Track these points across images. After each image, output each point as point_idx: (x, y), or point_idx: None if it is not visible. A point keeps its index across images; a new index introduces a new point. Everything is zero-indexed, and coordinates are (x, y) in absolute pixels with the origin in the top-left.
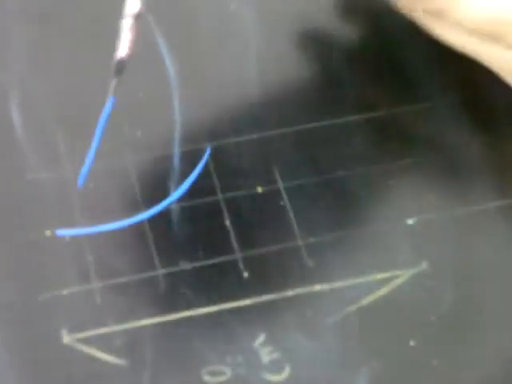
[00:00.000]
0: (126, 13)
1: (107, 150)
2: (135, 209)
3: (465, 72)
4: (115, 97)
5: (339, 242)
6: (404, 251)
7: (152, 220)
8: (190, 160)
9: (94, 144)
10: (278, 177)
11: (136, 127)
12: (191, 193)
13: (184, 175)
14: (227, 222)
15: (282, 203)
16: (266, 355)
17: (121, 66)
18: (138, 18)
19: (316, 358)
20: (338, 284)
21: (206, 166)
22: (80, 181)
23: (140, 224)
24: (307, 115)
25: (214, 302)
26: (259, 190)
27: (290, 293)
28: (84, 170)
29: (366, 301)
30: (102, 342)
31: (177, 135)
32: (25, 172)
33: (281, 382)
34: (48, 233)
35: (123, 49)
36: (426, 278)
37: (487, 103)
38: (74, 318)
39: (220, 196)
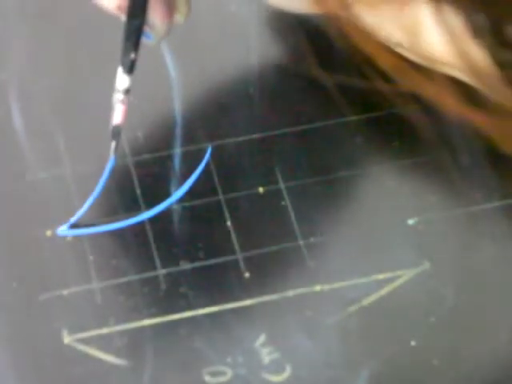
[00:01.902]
0: (116, 88)
1: (107, 150)
2: (135, 209)
3: None
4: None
5: (340, 243)
6: (405, 251)
7: (152, 220)
8: (190, 160)
9: (94, 195)
10: (278, 177)
11: (136, 127)
12: (192, 193)
13: (185, 175)
14: (228, 222)
15: (283, 203)
16: (267, 355)
17: (117, 131)
18: (128, 92)
19: (316, 358)
20: (338, 284)
21: (207, 166)
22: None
23: (140, 224)
24: (307, 115)
25: (215, 303)
26: (260, 190)
27: (290, 293)
28: (79, 214)
29: (366, 301)
30: (103, 342)
31: (177, 135)
32: (25, 172)
33: (281, 383)
34: (48, 233)
35: (117, 118)
36: (427, 278)
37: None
38: (75, 318)
39: (221, 196)
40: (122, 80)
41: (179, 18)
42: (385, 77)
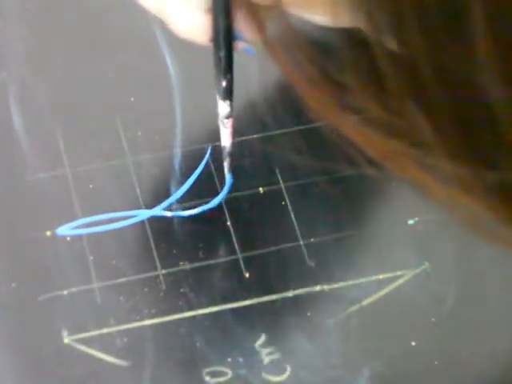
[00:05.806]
0: (219, 114)
1: (107, 150)
2: (135, 209)
3: None
4: (230, 173)
5: (340, 243)
6: (405, 252)
7: (152, 220)
8: (190, 160)
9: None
10: (279, 177)
11: (136, 127)
12: (192, 193)
13: (185, 175)
14: (228, 223)
15: (283, 203)
16: (267, 356)
17: (226, 152)
18: (229, 116)
19: (317, 358)
20: (339, 284)
21: (207, 166)
22: None
23: (140, 224)
24: (307, 115)
25: (215, 303)
26: (260, 190)
27: (290, 293)
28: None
29: (366, 301)
30: (103, 343)
31: (178, 135)
32: (25, 172)
33: (281, 383)
34: (48, 233)
35: (225, 140)
36: (427, 278)
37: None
38: (75, 318)
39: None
40: (222, 106)
41: None
42: (373, 163)
